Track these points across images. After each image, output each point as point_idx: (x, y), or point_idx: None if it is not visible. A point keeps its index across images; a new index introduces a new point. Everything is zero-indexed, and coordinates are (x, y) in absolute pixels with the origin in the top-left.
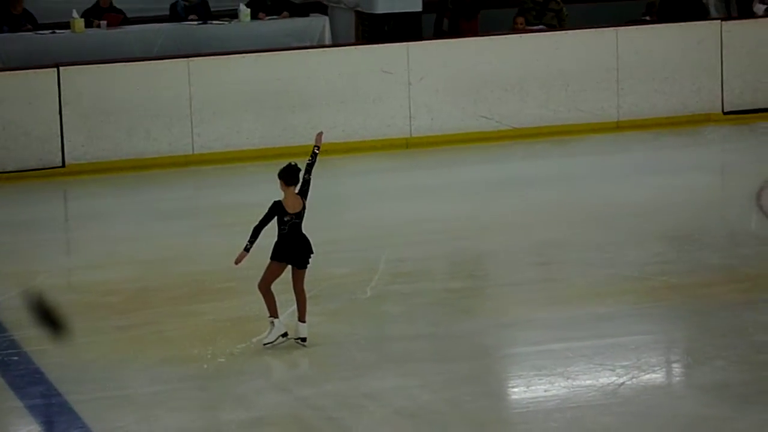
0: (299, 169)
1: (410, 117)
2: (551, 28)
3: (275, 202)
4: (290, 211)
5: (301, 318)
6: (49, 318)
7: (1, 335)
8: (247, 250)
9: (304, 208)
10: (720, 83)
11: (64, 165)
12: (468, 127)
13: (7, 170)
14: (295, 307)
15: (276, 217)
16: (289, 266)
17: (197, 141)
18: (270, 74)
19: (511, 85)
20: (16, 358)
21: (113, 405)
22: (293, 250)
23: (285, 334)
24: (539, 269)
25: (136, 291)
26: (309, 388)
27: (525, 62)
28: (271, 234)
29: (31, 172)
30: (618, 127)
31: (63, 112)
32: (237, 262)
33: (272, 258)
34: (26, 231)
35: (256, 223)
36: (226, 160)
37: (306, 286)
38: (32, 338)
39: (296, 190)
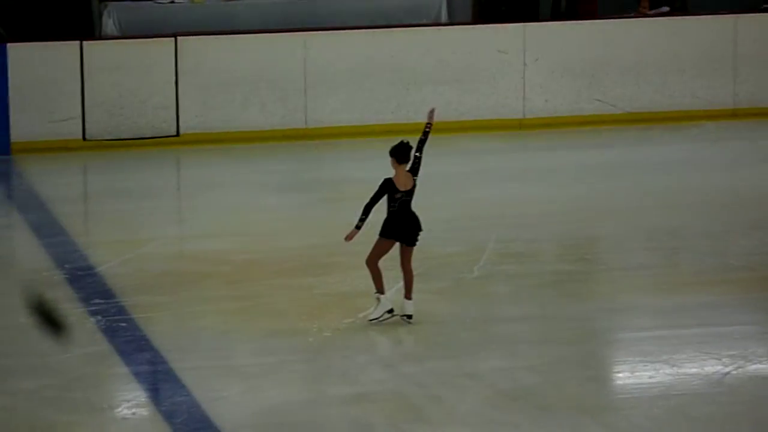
0: (411, 147)
1: (524, 98)
2: (676, 10)
3: (386, 180)
4: (401, 188)
5: (408, 295)
6: (49, 318)
7: (111, 301)
8: (358, 227)
9: (414, 185)
10: None
11: (178, 134)
12: (582, 110)
13: (122, 138)
14: (402, 284)
15: (386, 195)
16: (398, 243)
17: (310, 115)
18: (385, 50)
19: (627, 68)
20: (124, 324)
21: (218, 374)
22: (402, 228)
23: (391, 311)
24: (649, 255)
25: (245, 262)
26: (413, 365)
27: (641, 46)
28: (380, 210)
29: (145, 141)
30: (734, 114)
31: (179, 82)
32: (348, 238)
33: (381, 235)
34: (139, 199)
35: (367, 200)
36: (339, 135)
37: (414, 264)
38: (140, 305)
39: (407, 168)
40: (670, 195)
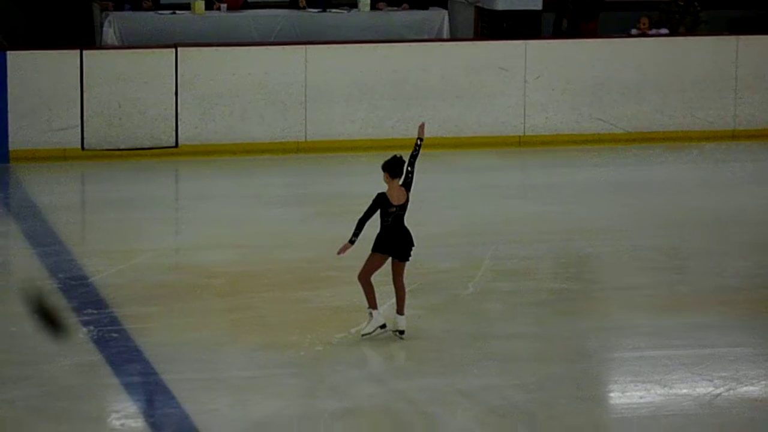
0: (404, 162)
1: (524, 115)
2: (676, 33)
3: (379, 194)
4: (394, 203)
5: (400, 311)
6: (49, 318)
7: (103, 312)
8: (351, 242)
9: (407, 200)
10: None
11: (177, 145)
12: (582, 129)
13: (121, 148)
14: (394, 299)
15: (380, 209)
16: (390, 258)
17: (310, 128)
18: (386, 65)
19: (628, 88)
20: (116, 335)
21: (208, 387)
22: (395, 243)
23: (383, 326)
24: (645, 274)
25: (239, 275)
26: (404, 381)
27: (643, 66)
28: (374, 225)
29: (144, 151)
30: (734, 136)
31: (179, 93)
32: (340, 252)
33: (374, 250)
34: (136, 209)
35: (361, 215)
36: (338, 149)
37: (408, 280)
38: (132, 316)
39: (400, 182)
40: (668, 215)
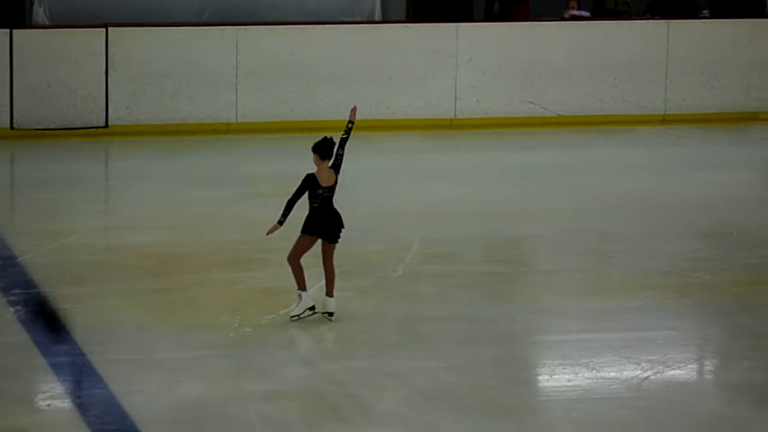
0: (334, 143)
1: (455, 98)
2: (612, 13)
3: (308, 175)
4: (323, 184)
5: (329, 292)
6: (49, 318)
7: (31, 291)
8: (280, 223)
9: (336, 182)
10: None
11: (107, 125)
12: (513, 112)
13: (50, 128)
14: (324, 281)
15: (308, 191)
16: (320, 240)
17: (240, 109)
18: (317, 47)
19: (560, 71)
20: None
21: (136, 368)
22: (324, 224)
23: (313, 308)
24: (575, 258)
25: (169, 256)
26: (332, 363)
27: (574, 50)
28: (304, 207)
29: (74, 131)
30: (664, 120)
31: (109, 73)
32: (269, 233)
33: (303, 231)
34: (66, 189)
35: (290, 196)
36: (268, 130)
37: (337, 262)
38: (61, 296)
39: (330, 164)
40: (599, 199)
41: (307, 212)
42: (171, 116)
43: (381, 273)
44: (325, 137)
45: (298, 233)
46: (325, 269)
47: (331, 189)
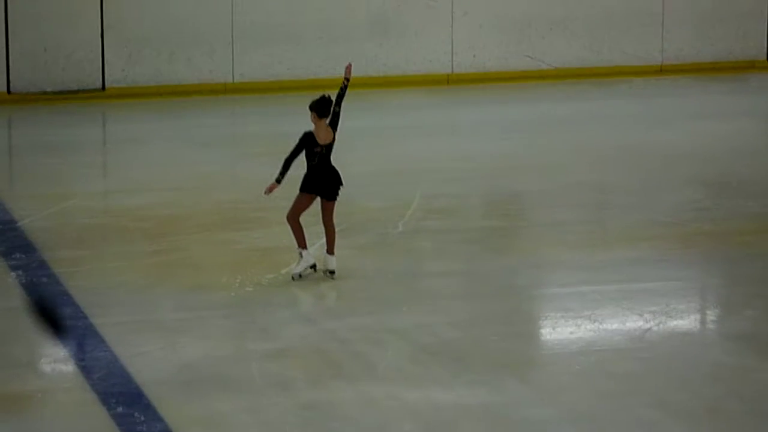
0: (331, 101)
1: (452, 53)
2: None
3: (306, 133)
4: (321, 142)
5: (330, 250)
6: (50, 318)
7: (31, 255)
8: (278, 181)
9: (334, 140)
10: (766, 31)
11: (104, 88)
12: (510, 66)
13: (47, 92)
14: (324, 239)
15: (306, 149)
16: (319, 198)
17: (237, 69)
18: (312, 5)
19: (556, 24)
20: (45, 279)
21: (138, 330)
22: (322, 182)
23: (314, 266)
24: (574, 211)
25: (169, 217)
26: (335, 321)
27: (570, 2)
28: (302, 166)
29: (70, 95)
30: (662, 70)
31: (105, 36)
32: (267, 192)
33: (301, 189)
34: (63, 153)
35: (287, 154)
36: (266, 89)
37: (337, 219)
38: (62, 260)
39: (327, 122)
40: (598, 151)
41: (305, 171)
42: (168, 78)
43: (381, 230)
44: (323, 95)
45: (297, 192)
46: (325, 227)
47: (329, 147)
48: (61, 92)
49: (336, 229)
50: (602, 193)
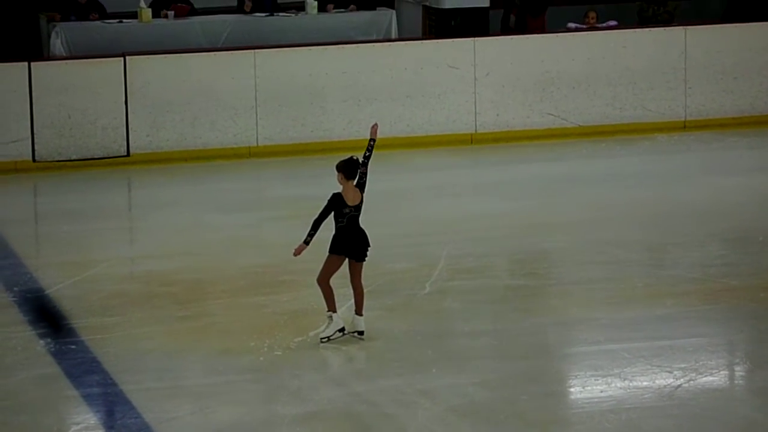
0: (359, 163)
1: (475, 113)
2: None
3: (334, 195)
4: (350, 203)
5: (359, 311)
6: (50, 318)
7: (60, 323)
8: (306, 243)
9: (362, 201)
10: None
11: (128, 154)
12: (533, 124)
13: (72, 159)
14: (352, 300)
15: (334, 210)
16: (347, 259)
17: (261, 133)
18: (336, 67)
19: (578, 82)
20: (73, 346)
21: (168, 395)
22: (351, 243)
23: (342, 330)
24: (601, 268)
25: (196, 282)
26: (364, 383)
27: (592, 60)
28: (329, 227)
29: (95, 161)
30: (685, 126)
31: (128, 102)
32: (296, 254)
33: (330, 251)
34: (89, 220)
35: (316, 216)
36: (290, 152)
37: (365, 281)
38: (90, 327)
39: (354, 183)
40: (620, 208)
41: (333, 232)
42: (192, 142)
43: (409, 291)
44: (351, 157)
45: (324, 254)
46: (354, 288)
47: (358, 208)
48: (86, 159)
49: (364, 290)
50: (627, 250)
